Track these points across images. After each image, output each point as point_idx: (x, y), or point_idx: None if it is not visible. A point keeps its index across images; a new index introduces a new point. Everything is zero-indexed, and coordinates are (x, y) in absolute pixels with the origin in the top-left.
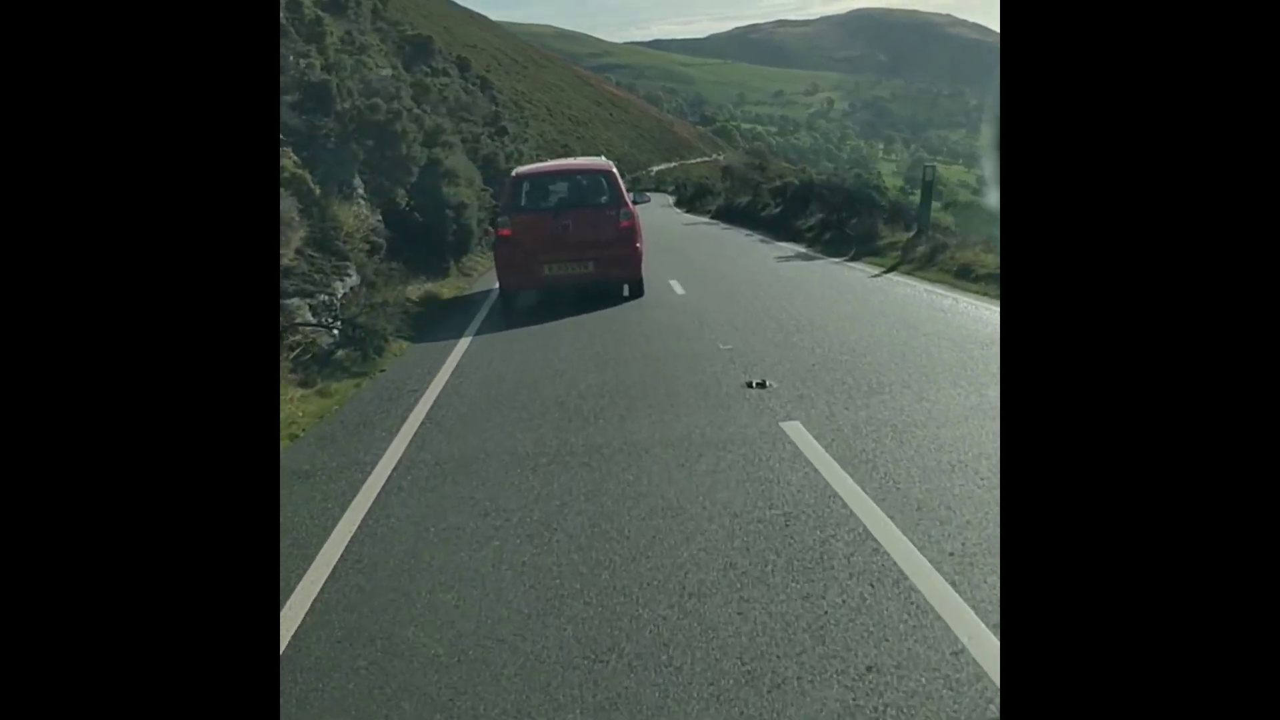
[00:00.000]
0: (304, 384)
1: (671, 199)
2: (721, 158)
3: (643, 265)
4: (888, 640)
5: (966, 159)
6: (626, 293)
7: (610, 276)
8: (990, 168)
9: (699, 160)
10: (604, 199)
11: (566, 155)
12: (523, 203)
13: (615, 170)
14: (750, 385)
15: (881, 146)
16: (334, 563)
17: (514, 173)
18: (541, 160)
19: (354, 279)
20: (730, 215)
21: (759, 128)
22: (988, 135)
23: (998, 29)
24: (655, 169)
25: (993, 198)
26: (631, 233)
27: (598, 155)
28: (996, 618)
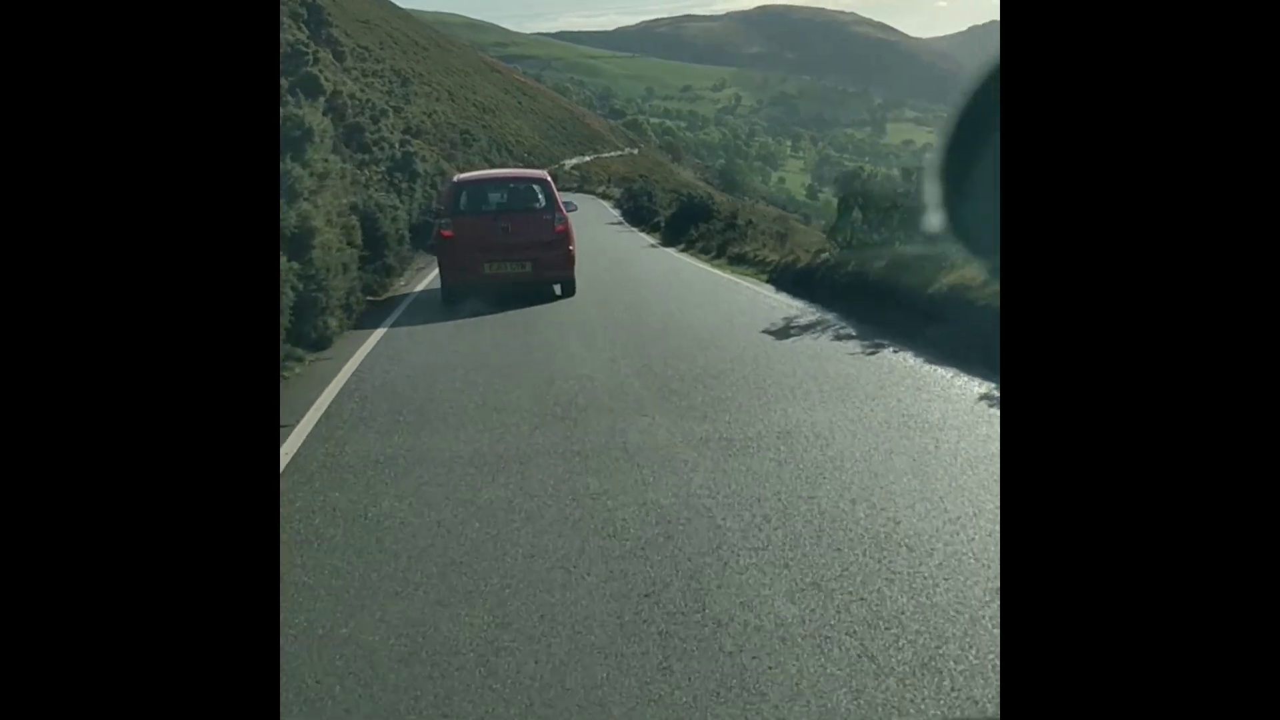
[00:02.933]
0: None
1: (612, 208)
2: (637, 152)
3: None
4: None
5: (873, 157)
6: (559, 291)
7: (546, 276)
8: (933, 181)
9: (615, 154)
10: (540, 204)
11: (466, 145)
12: (463, 206)
13: (550, 179)
14: None
15: (789, 143)
16: None
17: (455, 179)
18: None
19: None
20: (875, 308)
21: (668, 122)
22: (940, 144)
23: (900, 29)
24: (570, 163)
25: (935, 219)
26: (566, 236)
27: (506, 143)
28: None
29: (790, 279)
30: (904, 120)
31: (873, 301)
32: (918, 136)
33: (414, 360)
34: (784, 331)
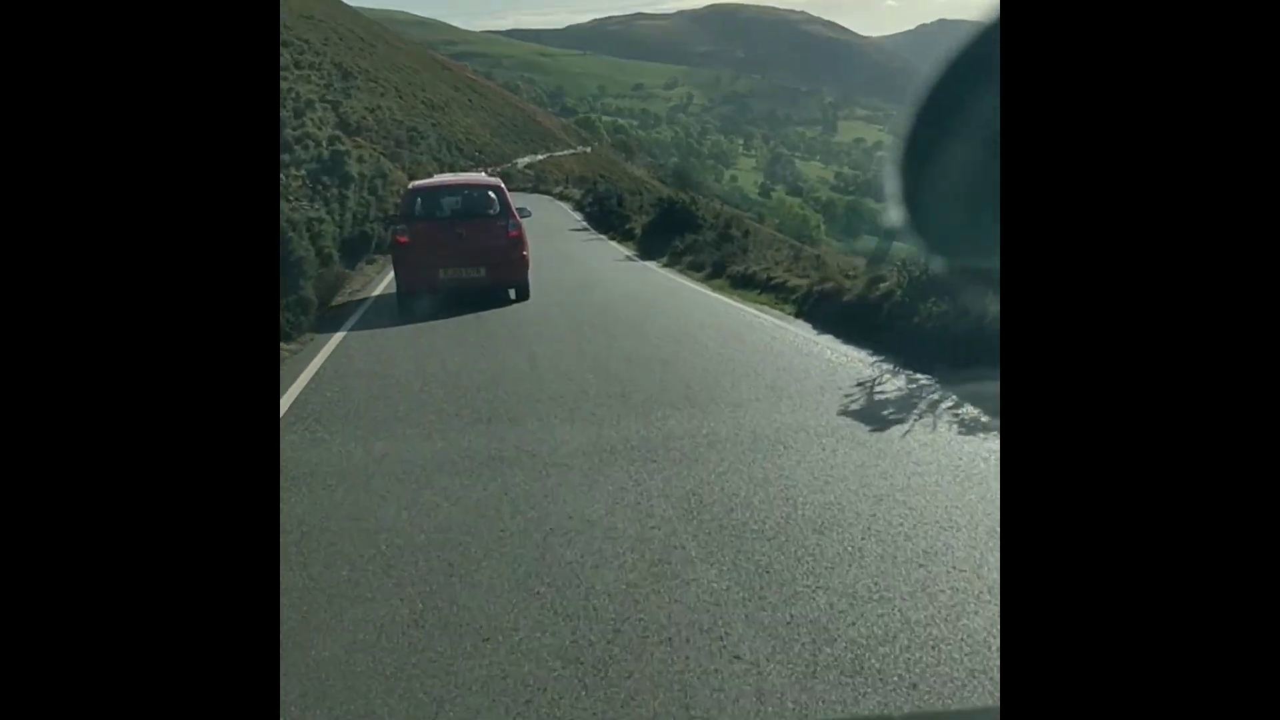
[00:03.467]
0: None
1: (572, 210)
2: (590, 150)
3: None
4: None
5: (824, 155)
6: (513, 295)
7: (501, 280)
8: (894, 184)
9: (568, 153)
10: (494, 210)
11: (414, 142)
12: (418, 212)
13: (504, 186)
14: None
15: (741, 142)
16: None
17: (410, 186)
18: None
19: None
20: None
21: (620, 121)
22: (897, 150)
23: (850, 27)
24: (522, 161)
25: (895, 214)
26: (519, 241)
27: (456, 141)
28: None
29: (832, 315)
30: (855, 118)
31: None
32: (869, 134)
33: (317, 511)
34: (873, 412)
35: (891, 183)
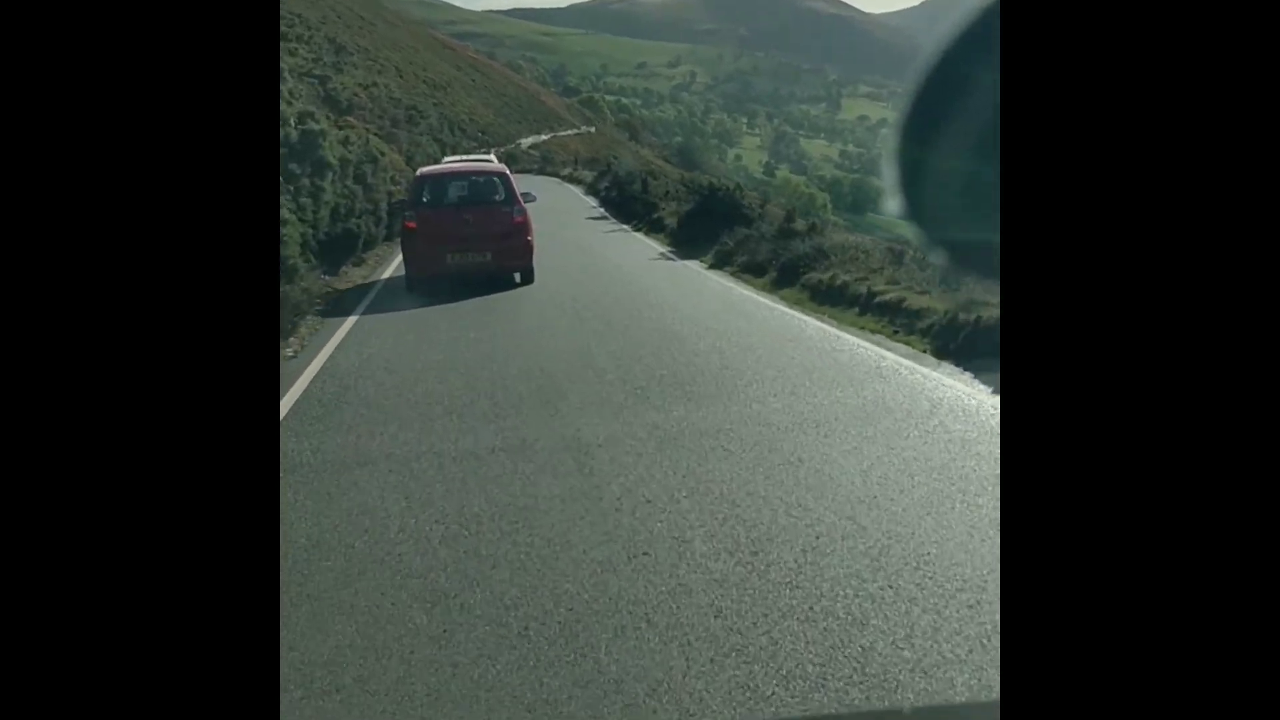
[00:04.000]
0: None
1: (585, 194)
2: (594, 130)
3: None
4: None
5: (828, 134)
6: (519, 279)
7: (506, 265)
8: (892, 173)
9: (571, 133)
10: (499, 197)
11: (413, 123)
12: (426, 199)
13: (509, 173)
14: None
15: (745, 120)
16: None
17: (418, 173)
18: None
19: None
20: None
21: (623, 100)
22: (896, 137)
23: (853, 4)
24: (526, 141)
25: (894, 204)
26: (524, 227)
27: (459, 122)
28: None
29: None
30: (859, 96)
31: None
32: (873, 112)
33: None
34: None
35: (889, 170)
